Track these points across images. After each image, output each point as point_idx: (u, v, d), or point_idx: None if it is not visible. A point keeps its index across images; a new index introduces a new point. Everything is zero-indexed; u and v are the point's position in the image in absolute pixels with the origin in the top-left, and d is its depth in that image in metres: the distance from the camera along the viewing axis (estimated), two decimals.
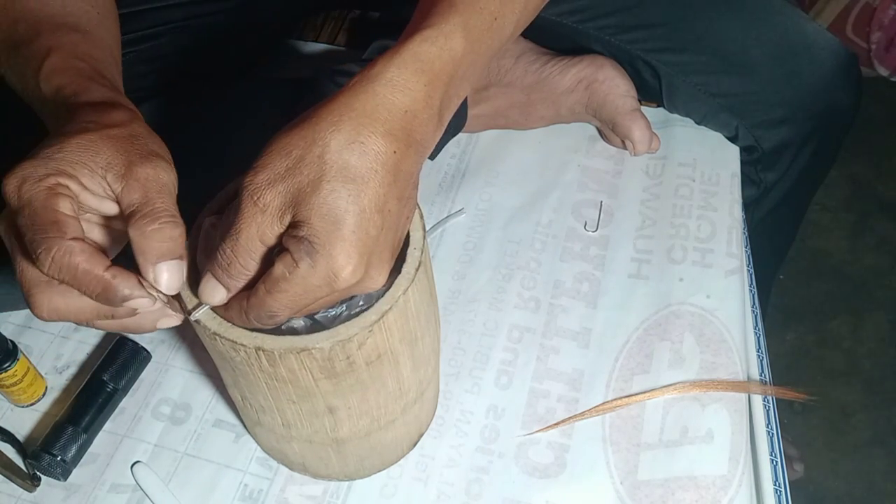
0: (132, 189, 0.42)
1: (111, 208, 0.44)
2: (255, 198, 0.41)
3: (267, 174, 0.41)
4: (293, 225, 0.41)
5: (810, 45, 0.76)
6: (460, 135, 0.83)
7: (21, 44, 0.51)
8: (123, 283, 0.41)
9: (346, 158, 0.40)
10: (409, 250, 0.47)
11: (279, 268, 0.41)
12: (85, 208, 0.44)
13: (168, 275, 0.42)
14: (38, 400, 0.65)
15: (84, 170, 0.42)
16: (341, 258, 0.40)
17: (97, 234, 0.46)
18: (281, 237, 0.41)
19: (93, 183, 0.42)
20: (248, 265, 0.42)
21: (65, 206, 0.41)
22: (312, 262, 0.40)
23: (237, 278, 0.43)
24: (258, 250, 0.42)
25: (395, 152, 0.41)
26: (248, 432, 0.62)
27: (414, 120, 0.43)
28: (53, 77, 0.48)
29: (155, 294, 0.42)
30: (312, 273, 0.40)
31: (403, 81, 0.42)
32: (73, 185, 0.42)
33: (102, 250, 0.46)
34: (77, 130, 0.43)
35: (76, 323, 0.43)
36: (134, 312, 0.43)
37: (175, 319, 0.45)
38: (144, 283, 0.42)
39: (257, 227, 0.41)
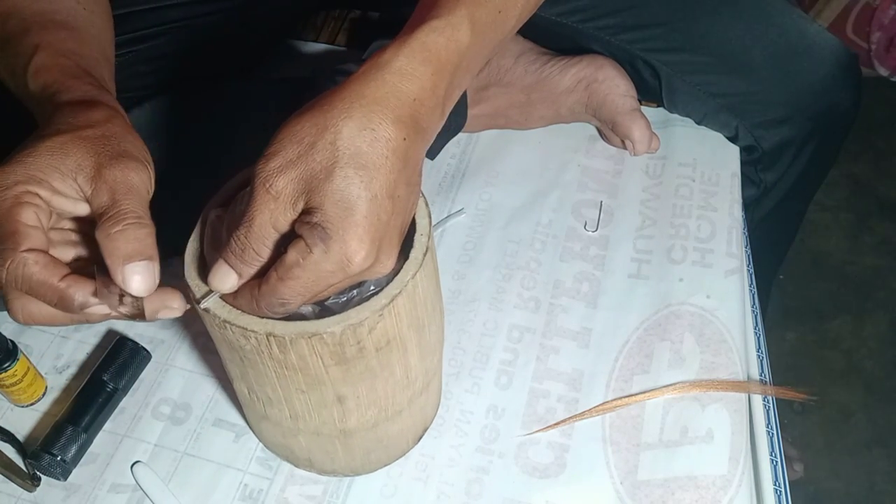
0: (100, 191, 0.42)
1: (86, 210, 0.44)
2: (268, 185, 0.41)
3: (279, 161, 0.41)
4: (306, 211, 0.41)
5: (811, 45, 0.76)
6: (460, 135, 0.83)
7: (11, 40, 0.51)
8: (79, 292, 0.41)
9: (357, 145, 0.41)
10: (416, 236, 0.48)
11: (292, 254, 0.41)
12: (59, 212, 0.44)
13: (140, 277, 0.42)
14: (38, 400, 0.65)
15: (55, 173, 0.42)
16: (354, 243, 0.40)
17: (75, 238, 0.46)
18: (293, 224, 0.42)
19: (64, 186, 0.43)
20: (261, 251, 0.42)
21: (27, 216, 0.41)
22: (326, 247, 0.40)
23: (250, 264, 0.43)
24: (271, 237, 0.42)
25: (404, 139, 0.42)
26: (252, 430, 0.62)
27: (421, 107, 0.43)
28: (40, 74, 0.48)
29: (118, 304, 0.42)
30: (326, 259, 0.40)
31: (412, 70, 0.43)
32: (43, 192, 0.42)
33: (86, 253, 0.46)
34: (50, 133, 0.44)
35: (57, 326, 0.44)
36: (108, 316, 0.44)
37: (176, 311, 0.45)
38: (107, 290, 0.42)
39: (270, 214, 0.41)
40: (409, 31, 0.44)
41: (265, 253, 0.42)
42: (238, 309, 0.45)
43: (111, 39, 0.58)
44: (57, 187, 0.43)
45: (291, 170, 0.41)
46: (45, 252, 0.42)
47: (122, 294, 0.42)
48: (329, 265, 0.41)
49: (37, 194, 0.42)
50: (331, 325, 0.44)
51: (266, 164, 0.41)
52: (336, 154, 0.40)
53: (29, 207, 0.42)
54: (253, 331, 0.44)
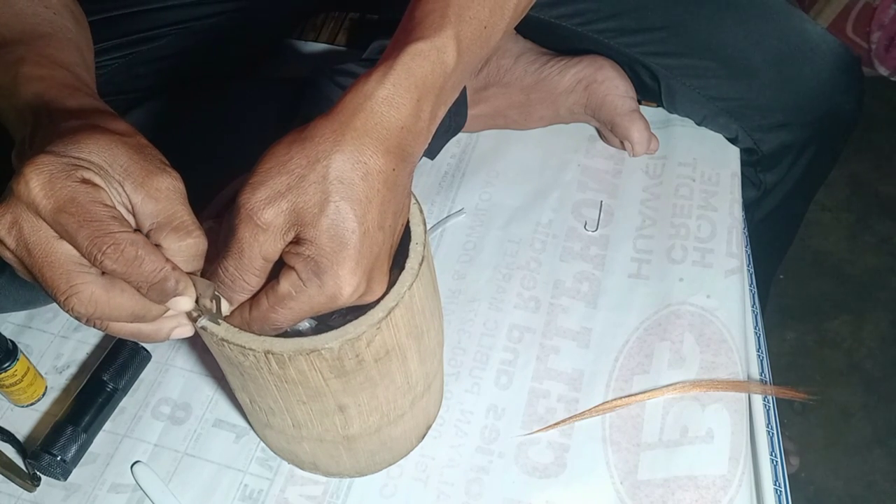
0: (155, 199, 0.41)
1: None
2: (257, 216, 0.41)
3: (267, 192, 0.41)
4: (298, 243, 0.41)
5: (811, 48, 0.76)
6: (460, 135, 0.83)
7: None
8: (180, 277, 0.41)
9: (350, 178, 0.41)
10: (412, 245, 0.48)
11: (285, 286, 0.41)
12: None
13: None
14: (38, 400, 0.65)
15: (103, 173, 0.41)
16: (346, 276, 0.41)
17: None
18: (282, 252, 0.42)
19: (109, 188, 0.41)
20: (251, 281, 0.43)
21: (108, 200, 0.40)
22: (321, 282, 0.41)
23: (240, 293, 0.43)
24: (261, 267, 0.42)
25: (393, 170, 0.42)
26: (257, 434, 0.62)
27: (408, 135, 0.44)
28: (32, 84, 0.46)
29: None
30: (319, 292, 0.41)
31: (398, 98, 0.43)
32: (98, 182, 0.41)
33: None
34: (86, 129, 0.41)
35: (99, 320, 0.41)
36: (160, 315, 0.43)
37: (188, 330, 0.45)
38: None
39: (260, 246, 0.41)
40: (395, 52, 0.44)
41: (255, 282, 0.43)
42: (232, 325, 0.45)
43: (89, 44, 0.56)
44: (104, 186, 0.41)
45: (281, 201, 0.40)
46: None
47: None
48: (321, 297, 0.41)
49: (95, 183, 0.40)
50: (329, 341, 0.44)
51: (253, 193, 0.41)
52: (328, 188, 0.40)
53: (104, 192, 0.40)
54: (251, 349, 0.44)
